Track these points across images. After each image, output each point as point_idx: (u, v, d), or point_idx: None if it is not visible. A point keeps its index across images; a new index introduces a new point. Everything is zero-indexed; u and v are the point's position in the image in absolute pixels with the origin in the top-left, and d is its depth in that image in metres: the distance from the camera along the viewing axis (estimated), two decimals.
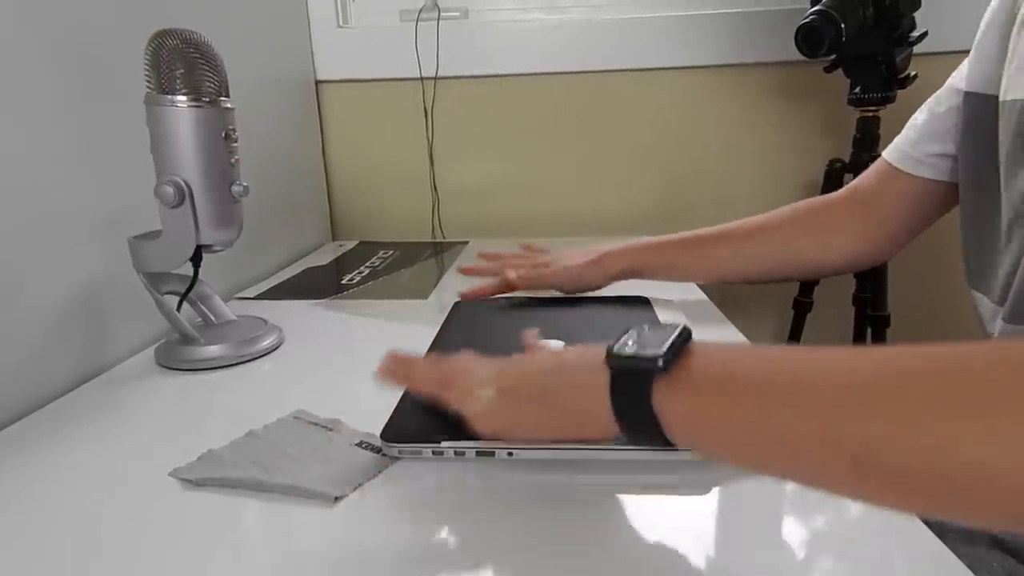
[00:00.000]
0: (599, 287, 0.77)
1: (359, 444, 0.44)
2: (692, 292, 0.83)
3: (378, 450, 0.43)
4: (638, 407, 0.35)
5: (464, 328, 0.67)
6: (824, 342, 1.24)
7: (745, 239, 0.78)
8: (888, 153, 0.73)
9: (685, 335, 0.37)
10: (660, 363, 0.35)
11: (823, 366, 0.32)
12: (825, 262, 0.78)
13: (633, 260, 0.77)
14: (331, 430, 0.46)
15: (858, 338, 1.16)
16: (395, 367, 0.47)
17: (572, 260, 0.77)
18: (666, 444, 0.35)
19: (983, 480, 0.26)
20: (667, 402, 0.35)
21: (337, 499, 0.38)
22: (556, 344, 0.60)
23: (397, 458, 0.43)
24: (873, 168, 0.76)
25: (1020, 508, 0.27)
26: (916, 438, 0.28)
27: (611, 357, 0.37)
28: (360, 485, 0.40)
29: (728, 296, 0.90)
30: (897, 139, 0.73)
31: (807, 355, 0.33)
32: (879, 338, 1.13)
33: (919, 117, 0.72)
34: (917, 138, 0.70)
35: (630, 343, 0.37)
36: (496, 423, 0.42)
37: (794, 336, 1.19)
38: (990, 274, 0.60)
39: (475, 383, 0.43)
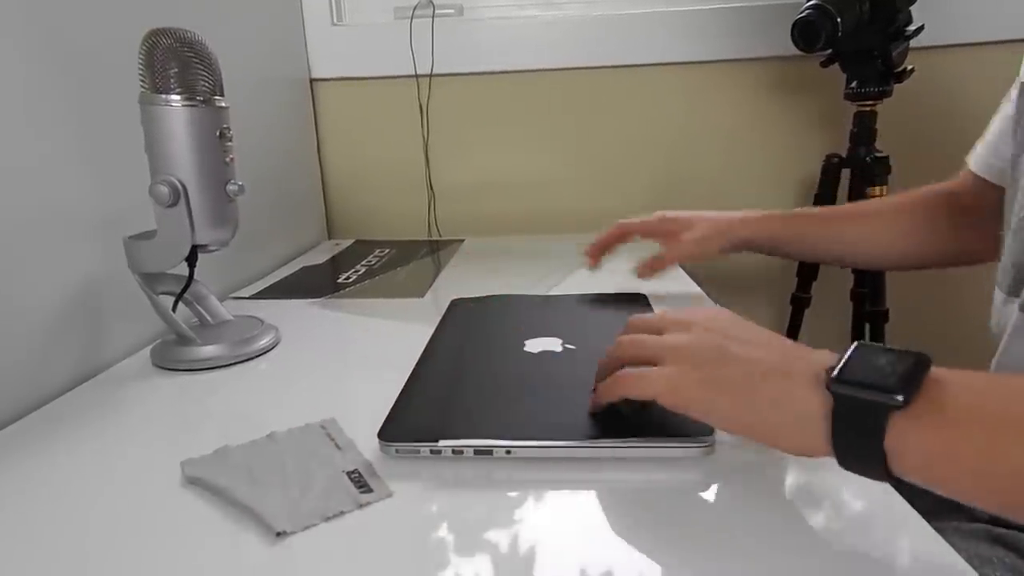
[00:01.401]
0: (715, 257, 0.78)
1: (350, 473, 0.42)
2: (688, 287, 0.83)
3: (363, 485, 0.41)
4: (866, 443, 0.32)
5: (461, 326, 0.67)
6: (822, 337, 1.26)
7: (874, 220, 0.76)
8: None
9: (925, 363, 0.33)
10: (901, 398, 0.31)
11: None
12: (947, 255, 0.76)
13: (758, 228, 0.76)
14: (340, 449, 0.45)
15: (857, 333, 1.16)
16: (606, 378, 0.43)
17: (697, 231, 0.78)
18: (888, 479, 0.33)
19: None
20: (906, 438, 0.32)
21: (279, 535, 0.37)
22: (552, 341, 0.60)
23: (368, 503, 0.40)
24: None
25: None
26: None
27: (837, 382, 0.34)
28: (311, 526, 0.38)
29: (725, 290, 0.90)
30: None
31: None
32: (877, 333, 1.13)
33: (994, 120, 0.70)
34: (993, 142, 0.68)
35: (858, 367, 0.34)
36: (693, 409, 0.39)
37: (792, 331, 1.19)
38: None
39: (676, 364, 0.40)
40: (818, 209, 0.77)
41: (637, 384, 0.41)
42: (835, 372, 0.34)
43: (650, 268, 0.78)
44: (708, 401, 0.39)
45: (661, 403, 0.40)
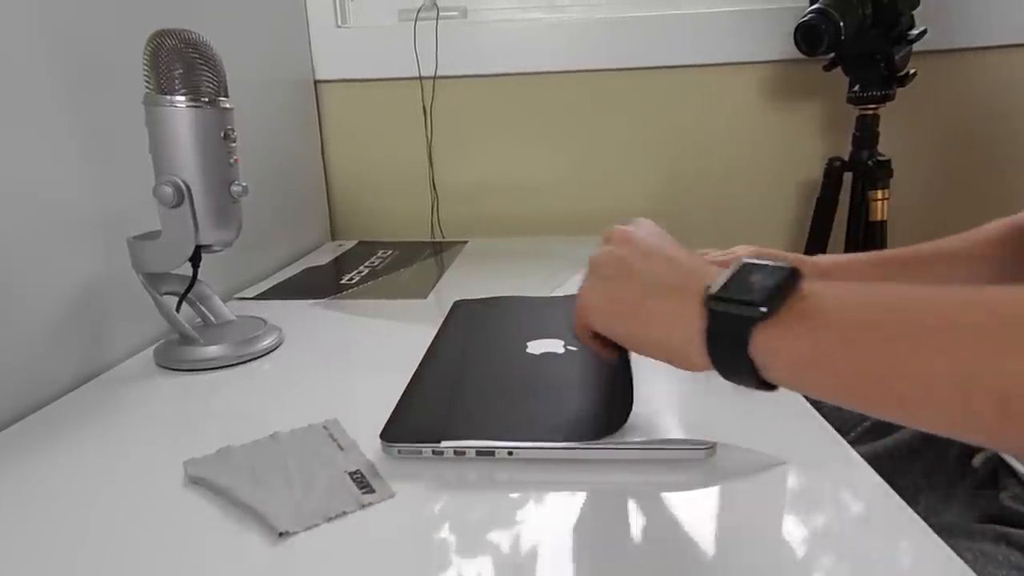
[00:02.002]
0: None
1: (352, 474, 0.42)
2: None
3: (365, 485, 0.41)
4: (735, 353, 0.34)
5: (464, 328, 0.67)
6: None
7: (958, 263, 0.75)
8: None
9: (793, 275, 0.35)
10: (763, 309, 0.33)
11: (957, 305, 0.30)
12: None
13: (839, 277, 0.74)
14: (342, 449, 0.45)
15: None
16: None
17: None
18: (765, 387, 0.34)
19: None
20: (772, 346, 0.33)
21: (281, 535, 0.37)
22: (555, 343, 0.60)
23: (370, 504, 0.40)
24: None
25: None
26: None
27: (711, 299, 0.35)
28: (314, 527, 0.38)
29: None
30: None
31: (934, 294, 0.30)
32: None
33: None
34: None
35: (733, 284, 0.36)
36: (591, 315, 0.42)
37: None
38: None
39: (591, 280, 0.43)
40: (891, 253, 0.75)
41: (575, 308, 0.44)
42: (711, 290, 0.36)
43: None
44: (608, 318, 0.41)
45: (580, 322, 0.43)
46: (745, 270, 0.36)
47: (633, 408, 0.47)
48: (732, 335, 0.34)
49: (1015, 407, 0.27)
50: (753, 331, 0.33)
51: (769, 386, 0.35)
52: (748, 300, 0.34)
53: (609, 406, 0.48)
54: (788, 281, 0.34)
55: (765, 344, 0.33)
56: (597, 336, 0.44)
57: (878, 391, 0.31)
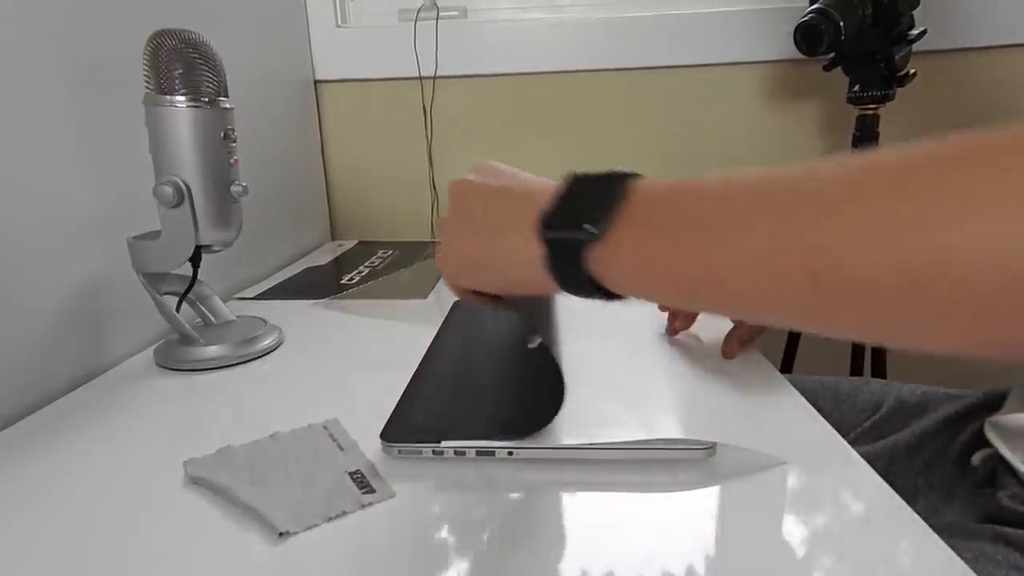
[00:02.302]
0: None
1: (352, 474, 0.42)
2: None
3: (365, 485, 0.41)
4: (575, 273, 0.35)
5: (464, 328, 0.67)
6: (823, 341, 1.25)
7: None
8: None
9: (622, 184, 0.35)
10: (593, 232, 0.34)
11: (770, 183, 0.30)
12: None
13: None
14: (343, 449, 0.45)
15: None
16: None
17: None
18: (612, 298, 0.35)
19: (959, 272, 0.24)
20: (606, 263, 0.34)
21: (281, 535, 0.37)
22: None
23: (370, 504, 0.40)
24: None
25: (998, 308, 0.24)
26: (879, 237, 0.25)
27: (544, 228, 0.36)
28: (314, 527, 0.38)
29: None
30: None
31: (753, 176, 0.31)
32: None
33: None
34: None
35: (563, 205, 0.36)
36: (452, 275, 0.43)
37: (794, 334, 1.19)
38: None
39: (441, 240, 0.44)
40: None
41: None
42: (543, 217, 0.36)
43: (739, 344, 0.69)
44: (468, 273, 0.42)
45: (452, 286, 0.44)
46: (575, 186, 0.37)
47: (614, 408, 0.47)
48: (568, 259, 0.35)
49: (825, 281, 0.26)
50: (586, 254, 0.34)
51: (617, 296, 0.36)
52: (578, 223, 0.34)
53: (536, 401, 0.48)
54: (617, 193, 0.35)
55: (599, 261, 0.34)
56: (478, 292, 0.45)
57: (708, 284, 0.31)
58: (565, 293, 0.37)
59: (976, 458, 0.65)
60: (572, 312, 0.71)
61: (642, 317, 0.68)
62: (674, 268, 0.32)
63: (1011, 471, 0.60)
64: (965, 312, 0.25)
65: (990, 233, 0.23)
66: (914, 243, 0.24)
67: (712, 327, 0.69)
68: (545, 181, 0.41)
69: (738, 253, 0.29)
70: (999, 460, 0.62)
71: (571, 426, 0.46)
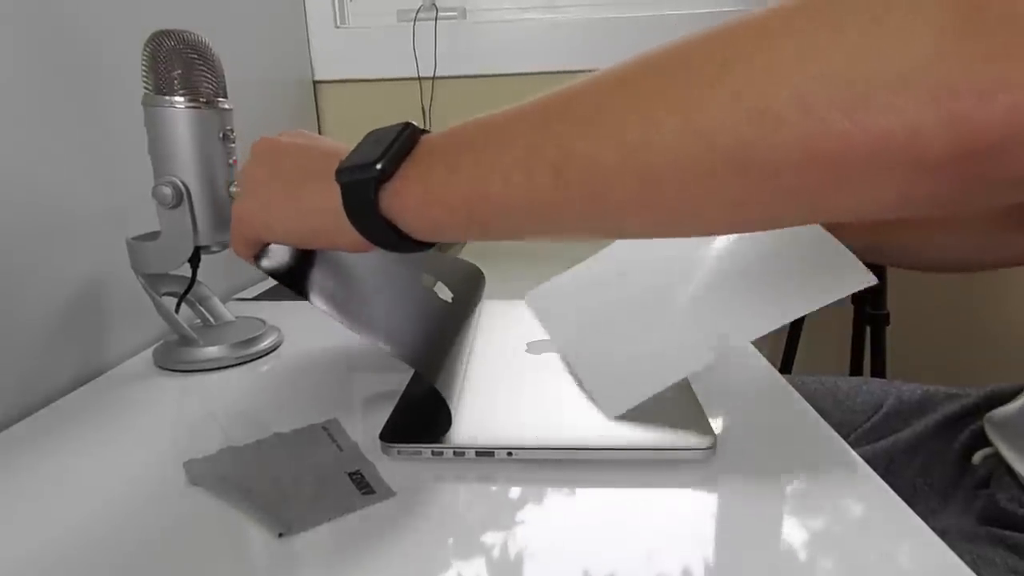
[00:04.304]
0: None
1: (352, 474, 0.42)
2: None
3: (364, 486, 0.41)
4: (369, 217, 0.36)
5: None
6: (823, 340, 1.25)
7: (966, 226, 0.76)
8: None
9: (408, 130, 0.37)
10: (377, 167, 0.35)
11: (529, 103, 0.33)
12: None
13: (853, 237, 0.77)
14: (342, 450, 0.45)
15: (857, 336, 1.16)
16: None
17: None
18: (418, 246, 0.37)
19: (685, 159, 0.27)
20: (394, 201, 0.35)
21: (281, 536, 0.37)
22: (554, 343, 0.60)
23: (370, 504, 0.40)
24: None
25: (726, 189, 0.27)
26: (607, 127, 0.29)
27: (337, 173, 0.37)
28: (313, 527, 0.38)
29: None
30: None
31: (521, 103, 0.34)
32: (878, 337, 1.13)
33: None
34: None
35: (355, 153, 0.38)
36: (247, 222, 0.43)
37: (793, 334, 1.19)
38: None
39: (244, 186, 0.44)
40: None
41: (232, 229, 0.45)
42: (339, 166, 0.37)
43: None
44: (266, 222, 0.43)
45: (243, 236, 0.44)
46: (368, 137, 0.39)
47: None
48: (361, 200, 0.36)
49: (568, 177, 0.30)
50: (378, 191, 0.36)
51: (421, 245, 0.37)
52: (364, 163, 0.36)
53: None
54: (402, 135, 0.37)
55: (390, 201, 0.36)
56: (259, 253, 0.46)
57: (478, 200, 0.34)
58: (368, 244, 0.38)
59: (976, 457, 0.65)
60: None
61: None
62: (450, 191, 0.34)
63: (1010, 472, 0.60)
64: (674, 184, 0.28)
65: (694, 114, 0.27)
66: (641, 139, 0.28)
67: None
68: (344, 146, 0.42)
69: (499, 163, 0.32)
70: (998, 461, 0.62)
71: (571, 426, 0.46)
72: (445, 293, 0.62)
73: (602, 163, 0.29)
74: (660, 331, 0.52)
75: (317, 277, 0.49)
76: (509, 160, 0.32)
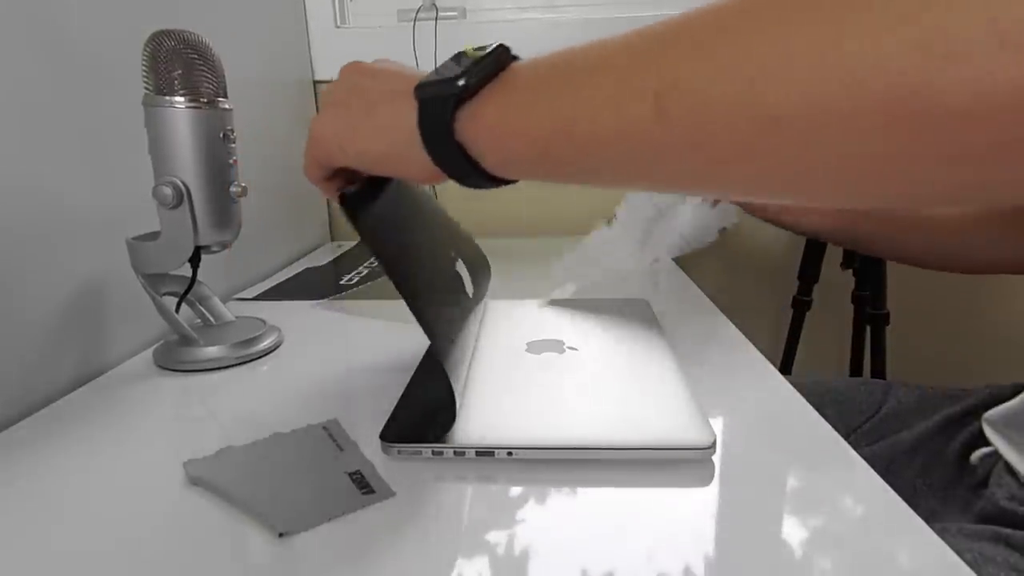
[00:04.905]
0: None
1: (352, 474, 0.42)
2: (690, 290, 0.83)
3: (365, 486, 0.41)
4: (445, 140, 0.34)
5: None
6: (823, 341, 1.25)
7: (969, 228, 0.75)
8: None
9: (500, 51, 0.34)
10: (460, 83, 0.33)
11: (634, 31, 0.30)
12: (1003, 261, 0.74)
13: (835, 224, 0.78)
14: (342, 450, 0.45)
15: (857, 336, 1.16)
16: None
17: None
18: (489, 181, 0.35)
19: (820, 97, 0.23)
20: (471, 122, 0.33)
21: (281, 536, 0.37)
22: (554, 343, 0.60)
23: (370, 504, 0.40)
24: None
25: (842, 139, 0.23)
26: (723, 55, 0.25)
27: (417, 88, 0.35)
28: (313, 527, 0.38)
29: (728, 295, 0.90)
30: None
31: (617, 34, 0.31)
32: (878, 336, 1.13)
33: None
34: None
35: (440, 69, 0.35)
36: (322, 140, 0.42)
37: (794, 334, 1.19)
38: None
39: (322, 110, 0.42)
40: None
41: (307, 148, 0.43)
42: (420, 81, 0.35)
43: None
44: (340, 141, 0.41)
45: (315, 158, 0.42)
46: (454, 57, 0.36)
47: (614, 409, 0.47)
48: (438, 118, 0.34)
49: (667, 104, 0.27)
50: (456, 110, 0.33)
51: (495, 179, 0.35)
52: (446, 78, 0.34)
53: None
54: (490, 55, 0.34)
55: (468, 122, 0.33)
56: (334, 179, 0.44)
57: (558, 133, 0.31)
58: (436, 173, 0.36)
59: (975, 457, 0.65)
60: (573, 315, 0.71)
61: (640, 318, 0.68)
62: (529, 120, 0.32)
63: (1009, 471, 0.60)
64: (810, 150, 0.24)
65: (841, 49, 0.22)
66: (753, 54, 0.24)
67: (711, 328, 0.69)
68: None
69: (589, 92, 0.29)
70: (997, 460, 0.62)
71: (571, 426, 0.46)
72: (466, 277, 0.60)
73: (712, 96, 0.25)
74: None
75: (383, 223, 0.47)
76: (600, 89, 0.29)
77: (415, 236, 0.51)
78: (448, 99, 0.33)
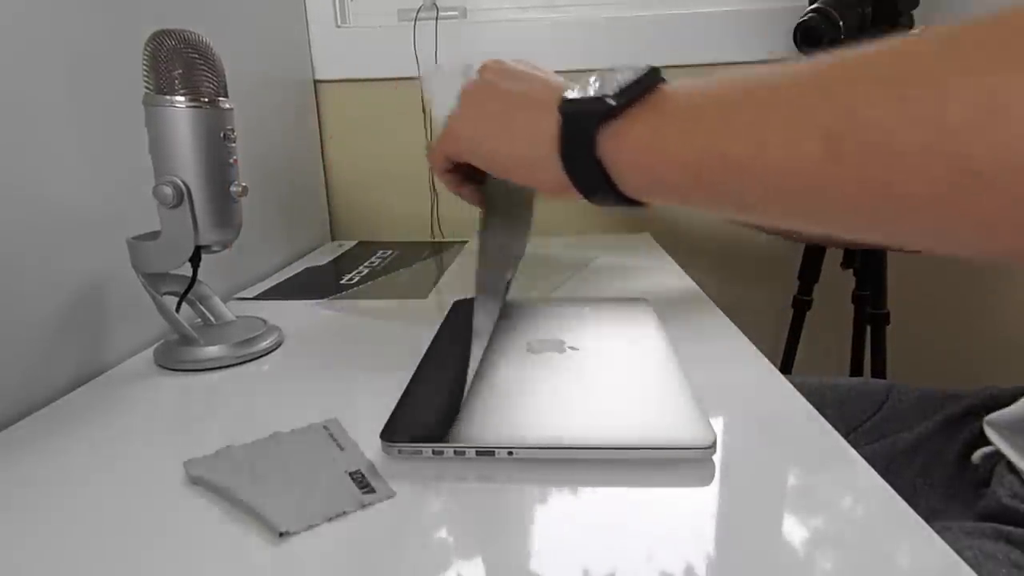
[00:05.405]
0: None
1: (352, 473, 0.42)
2: (690, 290, 0.83)
3: (365, 485, 0.41)
4: (584, 157, 0.33)
5: (463, 328, 0.67)
6: (823, 341, 1.26)
7: None
8: None
9: (651, 74, 0.33)
10: (611, 102, 0.32)
11: (799, 64, 0.29)
12: None
13: None
14: (342, 449, 0.45)
15: (857, 336, 1.16)
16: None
17: None
18: (619, 200, 0.34)
19: (987, 157, 0.21)
20: (616, 141, 0.32)
21: (282, 535, 0.37)
22: (555, 343, 0.60)
23: (370, 503, 0.40)
24: None
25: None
26: (918, 97, 0.23)
27: (563, 101, 0.34)
28: (314, 526, 0.38)
29: (727, 294, 0.90)
30: None
31: (775, 67, 0.29)
32: (878, 336, 1.13)
33: None
34: None
35: (589, 85, 0.34)
36: (456, 138, 0.41)
37: (794, 334, 1.19)
38: None
39: (458, 108, 0.42)
40: None
41: (438, 139, 0.43)
42: (565, 94, 0.35)
43: None
44: (475, 139, 0.41)
45: (444, 151, 0.42)
46: (603, 74, 0.35)
47: (614, 408, 0.47)
48: (581, 132, 0.33)
49: (843, 148, 0.25)
50: (600, 127, 0.32)
51: (627, 200, 0.34)
52: (598, 96, 0.33)
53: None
54: (643, 77, 0.33)
55: (611, 140, 0.32)
56: (455, 172, 0.44)
57: (714, 164, 0.30)
58: (566, 187, 0.35)
59: (976, 456, 0.65)
60: (573, 314, 0.71)
61: (639, 317, 0.68)
62: (683, 145, 0.31)
63: (1011, 469, 0.60)
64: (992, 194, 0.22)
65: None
66: (953, 99, 0.23)
67: (711, 328, 0.69)
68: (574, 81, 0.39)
69: (752, 122, 0.28)
70: (999, 458, 0.62)
71: (571, 426, 0.46)
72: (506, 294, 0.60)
73: (900, 142, 0.23)
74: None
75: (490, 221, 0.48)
76: (767, 120, 0.28)
77: (507, 241, 0.52)
78: (593, 116, 0.33)
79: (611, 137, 0.33)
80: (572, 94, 0.35)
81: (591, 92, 0.34)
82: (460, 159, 0.43)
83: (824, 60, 0.28)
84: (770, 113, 0.28)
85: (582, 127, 0.33)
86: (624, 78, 0.33)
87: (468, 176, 0.45)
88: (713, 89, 0.32)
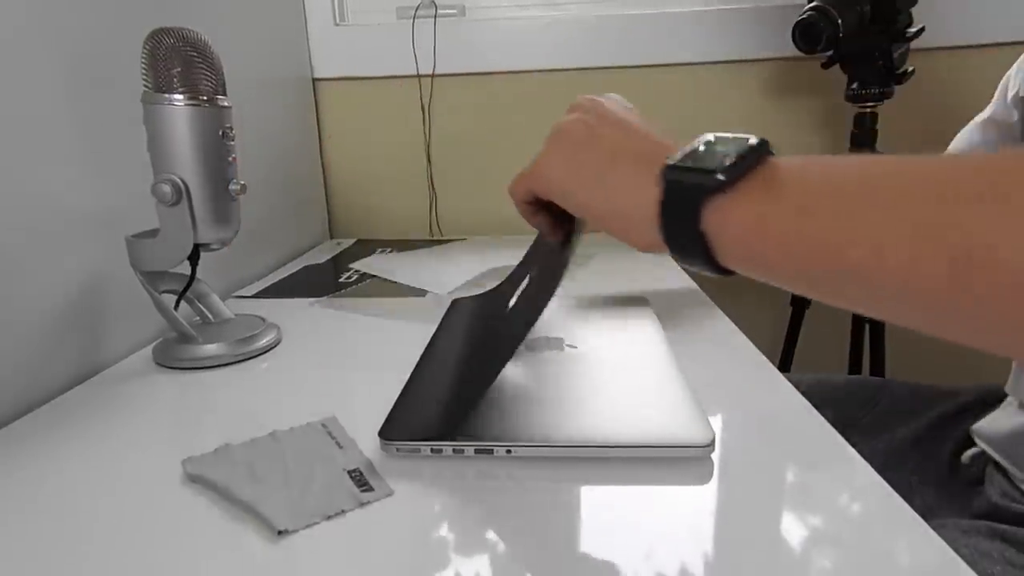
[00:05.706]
0: None
1: (351, 472, 0.42)
2: (689, 288, 0.83)
3: (363, 483, 0.41)
4: (685, 226, 0.32)
5: (462, 326, 0.67)
6: (822, 339, 1.25)
7: None
8: None
9: (760, 147, 0.32)
10: (720, 177, 0.31)
11: (915, 165, 0.27)
12: None
13: None
14: (341, 447, 0.45)
15: (856, 334, 1.16)
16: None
17: None
18: (714, 269, 0.33)
19: None
20: (721, 216, 0.31)
21: (281, 533, 0.37)
22: (554, 341, 0.60)
23: (369, 502, 0.40)
24: None
25: None
26: None
27: (669, 168, 0.33)
28: (312, 525, 0.38)
29: (726, 293, 0.90)
30: None
31: (894, 159, 0.28)
32: (877, 335, 1.13)
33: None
34: None
35: (694, 153, 0.34)
36: (544, 174, 0.40)
37: (793, 332, 1.19)
38: None
39: (549, 146, 0.41)
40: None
41: (525, 173, 0.43)
42: (671, 159, 0.34)
43: None
44: (568, 185, 0.40)
45: (531, 188, 0.42)
46: (711, 142, 0.34)
47: (613, 407, 0.47)
48: (685, 203, 0.33)
49: (967, 274, 0.24)
50: (706, 201, 0.32)
51: (721, 269, 0.33)
52: (706, 168, 0.32)
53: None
54: (752, 152, 0.32)
55: (715, 214, 0.32)
56: (533, 204, 0.44)
57: (826, 258, 0.29)
58: (659, 247, 0.35)
59: (965, 457, 0.65)
60: (572, 312, 0.71)
61: (637, 316, 0.68)
62: (794, 233, 0.30)
63: (1000, 469, 0.60)
64: None
65: None
66: None
67: (710, 326, 0.70)
68: (673, 135, 0.39)
69: (873, 228, 0.27)
70: (988, 458, 0.63)
71: (570, 425, 0.46)
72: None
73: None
74: None
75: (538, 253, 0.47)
76: (889, 228, 0.26)
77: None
78: (700, 189, 0.32)
79: (716, 211, 0.32)
80: (675, 159, 0.34)
81: (696, 162, 0.33)
82: (547, 199, 0.42)
83: (948, 166, 0.27)
84: (894, 222, 0.26)
85: (687, 198, 0.32)
86: (733, 149, 0.32)
87: (544, 206, 0.45)
88: (829, 173, 0.30)
